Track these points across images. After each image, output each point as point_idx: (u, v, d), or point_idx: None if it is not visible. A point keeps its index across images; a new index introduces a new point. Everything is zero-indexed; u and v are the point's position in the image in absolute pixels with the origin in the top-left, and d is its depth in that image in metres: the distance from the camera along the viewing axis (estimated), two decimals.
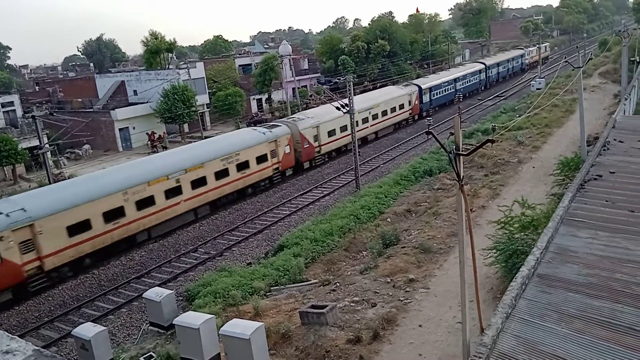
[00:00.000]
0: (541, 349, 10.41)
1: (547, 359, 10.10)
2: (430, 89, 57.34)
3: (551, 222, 16.09)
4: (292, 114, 47.51)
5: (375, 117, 45.95)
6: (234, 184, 32.01)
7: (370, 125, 45.33)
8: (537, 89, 60.08)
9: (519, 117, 35.51)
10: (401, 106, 50.52)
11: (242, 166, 32.09)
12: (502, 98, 65.63)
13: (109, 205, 25.17)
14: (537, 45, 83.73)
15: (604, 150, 24.72)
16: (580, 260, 13.94)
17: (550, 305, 11.90)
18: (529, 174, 30.85)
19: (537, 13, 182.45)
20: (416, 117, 54.30)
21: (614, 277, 12.86)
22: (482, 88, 72.48)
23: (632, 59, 51.69)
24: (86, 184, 26.11)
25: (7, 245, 21.84)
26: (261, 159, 33.72)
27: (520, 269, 13.33)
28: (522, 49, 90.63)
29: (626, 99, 38.78)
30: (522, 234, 17.46)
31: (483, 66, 72.60)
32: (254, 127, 37.68)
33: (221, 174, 31.00)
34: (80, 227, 24.24)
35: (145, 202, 26.81)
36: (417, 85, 55.54)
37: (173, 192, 28.47)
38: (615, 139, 26.38)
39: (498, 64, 78.23)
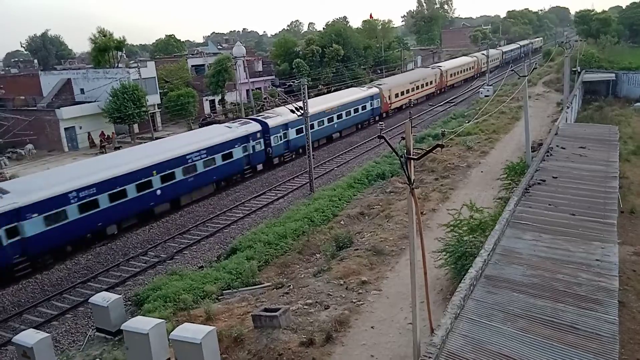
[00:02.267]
0: (488, 347, 10.75)
1: (494, 357, 10.44)
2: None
3: (498, 225, 16.64)
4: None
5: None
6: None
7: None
8: (485, 96, 62.05)
9: (468, 123, 36.57)
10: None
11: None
12: (452, 104, 67.38)
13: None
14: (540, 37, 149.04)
15: (548, 156, 25.79)
16: (524, 261, 14.49)
17: (497, 305, 12.31)
18: (477, 178, 31.75)
19: (485, 23, 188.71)
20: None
21: (556, 278, 13.43)
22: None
23: (573, 69, 54.15)
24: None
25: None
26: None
27: (469, 271, 13.71)
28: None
29: (568, 107, 40.57)
30: (471, 236, 17.93)
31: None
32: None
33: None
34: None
35: (408, 91, 62.12)
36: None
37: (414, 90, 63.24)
38: (558, 146, 27.58)
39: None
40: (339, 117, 48.30)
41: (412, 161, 11.46)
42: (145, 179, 29.20)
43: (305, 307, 17.43)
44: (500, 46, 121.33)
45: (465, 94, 74.54)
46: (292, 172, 39.84)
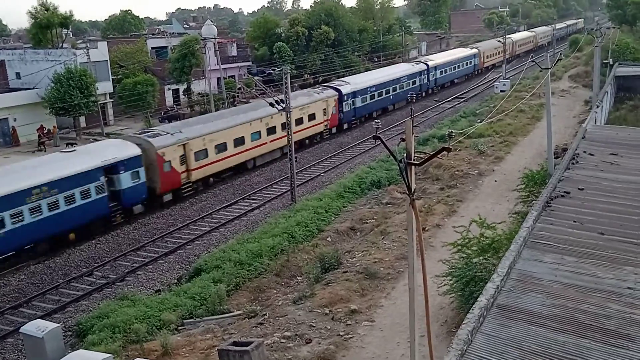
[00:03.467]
0: None
1: None
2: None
3: (513, 245, 16.72)
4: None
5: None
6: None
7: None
8: (501, 91, 62.43)
9: (480, 122, 36.82)
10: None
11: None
12: (461, 100, 67.92)
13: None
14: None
15: (573, 163, 26.02)
16: (544, 288, 14.56)
17: (510, 340, 12.34)
18: (490, 189, 31.95)
19: (502, 5, 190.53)
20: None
21: (580, 309, 13.51)
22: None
23: (604, 61, 54.74)
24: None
25: None
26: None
27: (478, 299, 13.75)
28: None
29: (598, 106, 41.07)
30: (481, 258, 17.98)
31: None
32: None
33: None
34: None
35: (493, 55, 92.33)
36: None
37: (496, 54, 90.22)
38: (585, 151, 27.85)
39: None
40: (458, 67, 79.03)
41: (413, 167, 11.47)
42: (386, 88, 59.00)
43: (282, 340, 17.36)
44: (519, 31, 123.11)
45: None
46: (270, 177, 39.83)
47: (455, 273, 17.78)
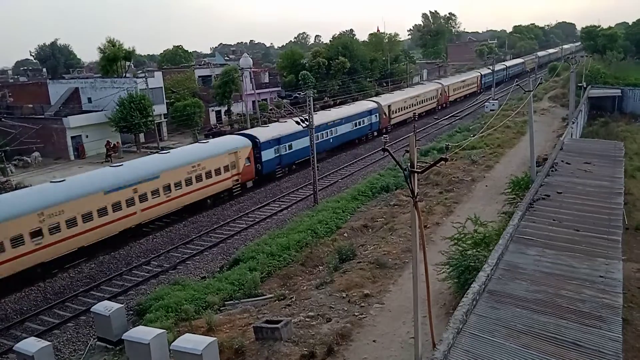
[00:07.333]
0: None
1: None
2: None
3: (502, 240, 16.58)
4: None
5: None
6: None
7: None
8: (491, 110, 62.06)
9: (473, 136, 36.56)
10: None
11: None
12: (457, 118, 67.46)
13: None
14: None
15: (552, 171, 25.73)
16: (528, 277, 14.42)
17: (500, 320, 12.24)
18: (481, 192, 31.67)
19: (491, 37, 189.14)
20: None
21: (559, 294, 13.35)
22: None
23: (579, 84, 54.00)
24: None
25: None
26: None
27: (472, 285, 13.66)
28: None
29: (573, 123, 40.55)
30: (474, 250, 17.86)
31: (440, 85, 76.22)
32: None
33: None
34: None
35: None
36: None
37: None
38: (562, 161, 27.52)
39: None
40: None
41: (416, 174, 11.47)
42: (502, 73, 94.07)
43: (307, 319, 17.36)
44: (505, 61, 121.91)
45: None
46: (297, 183, 39.89)
47: (452, 263, 17.66)
